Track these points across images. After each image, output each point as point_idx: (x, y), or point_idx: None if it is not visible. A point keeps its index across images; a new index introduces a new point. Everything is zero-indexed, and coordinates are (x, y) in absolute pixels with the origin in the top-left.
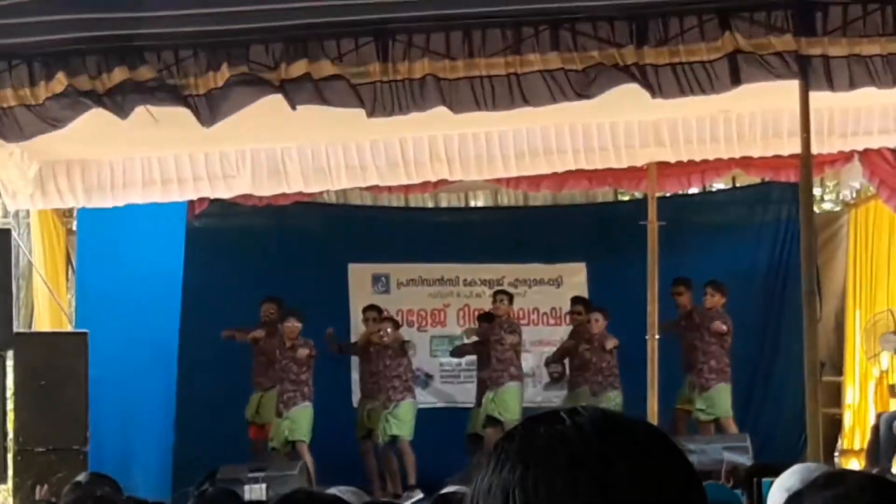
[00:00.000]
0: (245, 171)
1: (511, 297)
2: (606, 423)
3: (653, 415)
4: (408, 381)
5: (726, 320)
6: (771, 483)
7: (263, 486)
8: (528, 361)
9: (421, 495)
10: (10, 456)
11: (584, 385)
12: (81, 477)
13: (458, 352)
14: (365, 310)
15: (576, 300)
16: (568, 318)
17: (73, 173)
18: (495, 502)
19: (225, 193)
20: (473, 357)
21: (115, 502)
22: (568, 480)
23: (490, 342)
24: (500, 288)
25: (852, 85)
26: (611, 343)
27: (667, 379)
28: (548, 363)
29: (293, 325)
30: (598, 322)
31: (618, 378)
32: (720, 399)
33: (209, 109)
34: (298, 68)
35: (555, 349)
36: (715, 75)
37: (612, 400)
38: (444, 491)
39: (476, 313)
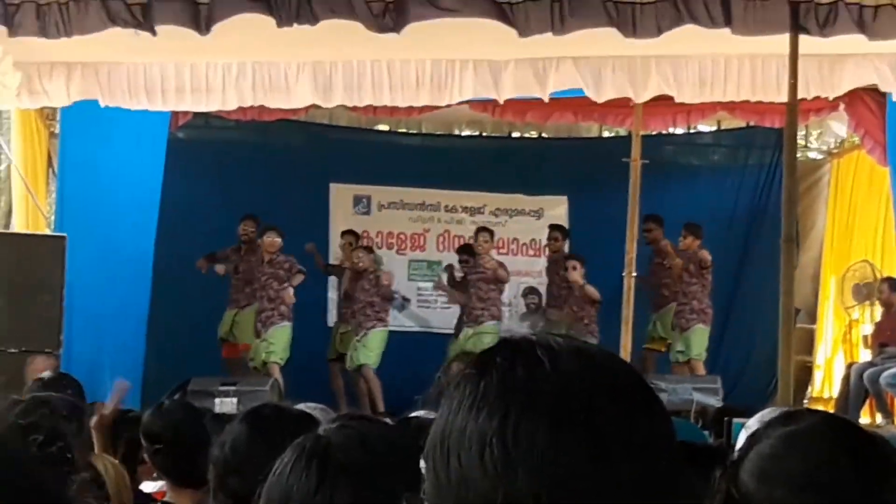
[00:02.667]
0: (231, 84)
1: (492, 234)
2: (587, 367)
3: (626, 354)
4: (380, 311)
5: (706, 262)
6: (742, 425)
7: (234, 399)
8: (506, 292)
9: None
10: None
11: (563, 321)
12: (45, 374)
13: (437, 285)
14: (343, 234)
15: (554, 227)
16: (546, 248)
17: (59, 75)
18: (472, 449)
19: (209, 106)
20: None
21: (76, 406)
22: (553, 435)
23: (471, 279)
24: (481, 225)
25: (840, 32)
26: (594, 295)
27: (638, 318)
28: (525, 294)
29: (273, 239)
30: (576, 270)
31: (597, 328)
32: (697, 340)
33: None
34: None
35: (535, 280)
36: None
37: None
38: (412, 415)
39: (456, 239)
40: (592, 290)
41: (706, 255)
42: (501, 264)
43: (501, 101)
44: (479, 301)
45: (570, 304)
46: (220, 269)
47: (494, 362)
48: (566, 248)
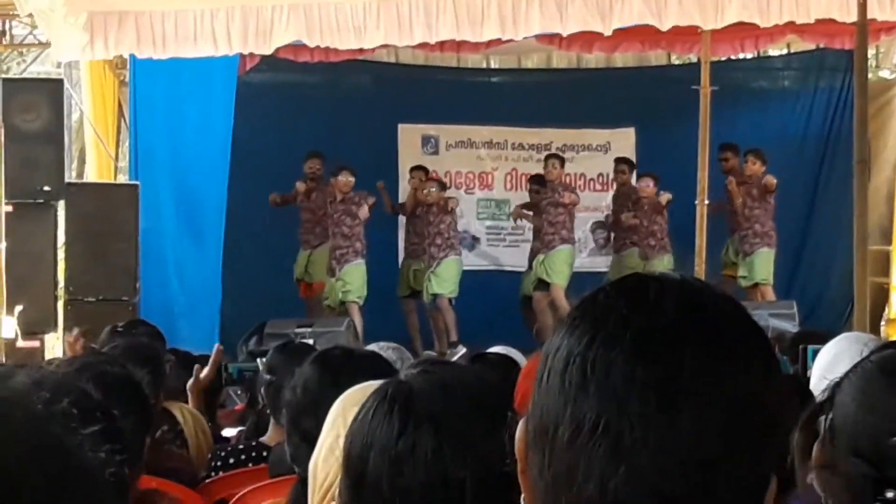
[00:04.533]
0: (296, 25)
1: (563, 161)
2: (688, 308)
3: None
4: (451, 238)
5: (765, 180)
6: (816, 351)
7: (311, 341)
8: (575, 227)
9: (464, 350)
10: (60, 304)
11: (632, 247)
12: (121, 324)
13: (514, 216)
14: (412, 170)
15: (620, 160)
16: (613, 178)
17: (126, 24)
18: (558, 366)
19: (275, 47)
20: (522, 222)
21: (154, 351)
22: (628, 368)
23: (542, 206)
24: (551, 152)
25: None
26: (664, 198)
27: (714, 245)
28: (593, 230)
29: (346, 178)
30: (650, 187)
31: (669, 241)
32: (761, 264)
33: None
34: None
35: (603, 215)
36: None
37: (664, 264)
38: (487, 350)
39: (523, 177)
40: (663, 194)
41: (771, 180)
42: (569, 186)
43: (565, 35)
44: (550, 226)
45: (644, 224)
46: (290, 199)
47: (603, 290)
48: (633, 181)
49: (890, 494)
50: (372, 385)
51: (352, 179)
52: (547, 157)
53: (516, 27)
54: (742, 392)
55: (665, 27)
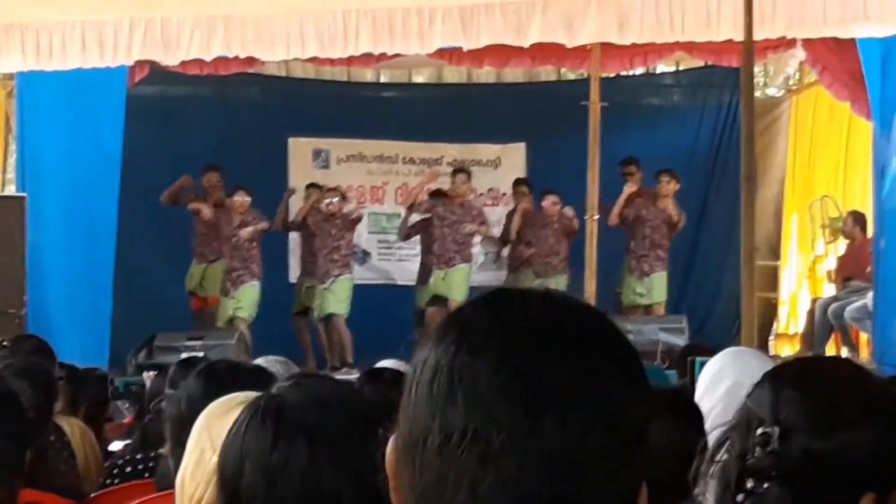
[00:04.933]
0: (186, 38)
1: (469, 175)
2: (551, 316)
3: (591, 298)
4: (347, 256)
5: (680, 212)
6: (703, 363)
7: (200, 354)
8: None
9: (356, 374)
10: None
11: (528, 267)
12: (8, 338)
13: (404, 234)
14: (308, 187)
15: (519, 181)
16: (513, 199)
17: (13, 36)
18: (426, 377)
19: (166, 60)
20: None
21: (43, 366)
22: (494, 375)
23: (443, 220)
24: (459, 166)
25: None
26: (575, 224)
27: (604, 261)
28: (483, 243)
29: (242, 199)
30: (556, 204)
31: (567, 264)
32: (660, 286)
33: None
34: None
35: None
36: None
37: (559, 284)
38: (377, 366)
39: (414, 192)
40: (573, 218)
41: (680, 220)
42: (482, 216)
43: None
44: (454, 243)
45: (549, 242)
46: (204, 212)
47: (470, 304)
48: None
49: (749, 484)
50: (235, 398)
51: (248, 199)
52: (455, 171)
53: (423, 41)
54: (606, 399)
55: (526, 44)
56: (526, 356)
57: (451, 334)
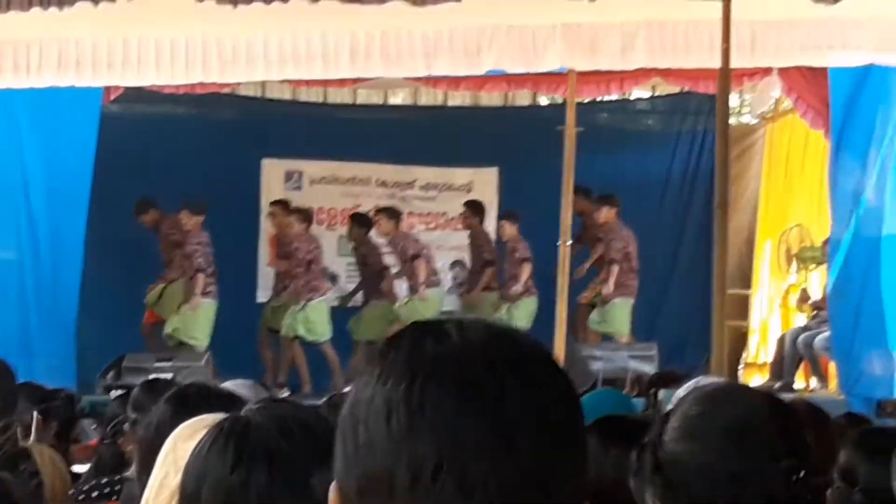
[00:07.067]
0: (161, 59)
1: (398, 215)
2: (494, 341)
3: (561, 323)
4: (312, 278)
5: (626, 238)
6: (670, 395)
7: (170, 375)
8: (437, 267)
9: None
10: None
11: (492, 291)
12: None
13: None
14: (272, 204)
15: (468, 204)
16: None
17: None
18: (378, 415)
19: (139, 81)
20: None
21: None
22: (458, 403)
23: (373, 254)
24: (383, 206)
25: None
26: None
27: (578, 286)
28: (451, 267)
29: (197, 218)
30: (509, 229)
31: (534, 287)
32: (617, 315)
33: None
34: None
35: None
36: None
37: (527, 308)
38: (343, 391)
39: None
40: (524, 250)
41: (619, 245)
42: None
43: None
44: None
45: (508, 269)
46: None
47: (403, 336)
48: (485, 224)
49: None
50: (203, 420)
51: (200, 218)
52: (376, 211)
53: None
54: (557, 419)
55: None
56: (484, 380)
57: (396, 369)
